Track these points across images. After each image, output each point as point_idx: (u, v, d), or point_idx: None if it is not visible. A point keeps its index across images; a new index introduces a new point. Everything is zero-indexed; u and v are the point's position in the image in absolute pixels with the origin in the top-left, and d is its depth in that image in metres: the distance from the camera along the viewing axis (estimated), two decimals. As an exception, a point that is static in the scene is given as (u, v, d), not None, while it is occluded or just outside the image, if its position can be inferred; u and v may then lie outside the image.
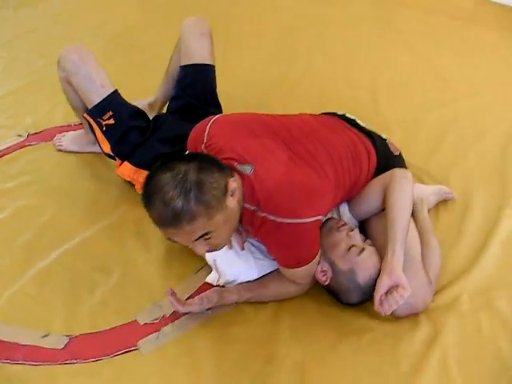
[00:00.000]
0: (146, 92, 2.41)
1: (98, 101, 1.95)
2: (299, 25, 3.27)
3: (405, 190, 1.72)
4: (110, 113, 1.96)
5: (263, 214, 1.51)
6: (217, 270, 1.77)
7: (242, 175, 1.53)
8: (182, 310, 1.69)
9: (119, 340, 1.67)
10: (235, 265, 1.74)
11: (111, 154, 2.04)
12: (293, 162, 1.60)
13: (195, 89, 2.11)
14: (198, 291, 1.79)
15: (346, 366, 1.62)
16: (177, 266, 1.88)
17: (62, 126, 2.43)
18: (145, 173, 1.96)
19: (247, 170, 1.53)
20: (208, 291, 1.74)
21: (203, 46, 2.12)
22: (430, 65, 2.89)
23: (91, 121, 2.01)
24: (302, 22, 3.30)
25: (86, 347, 1.65)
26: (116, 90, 2.01)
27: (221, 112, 2.21)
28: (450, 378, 1.58)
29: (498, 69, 2.86)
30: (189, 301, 1.72)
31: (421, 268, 1.74)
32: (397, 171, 1.78)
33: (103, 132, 1.99)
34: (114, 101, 1.99)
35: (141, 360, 1.63)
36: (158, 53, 2.86)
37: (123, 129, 1.98)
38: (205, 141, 1.63)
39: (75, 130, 2.36)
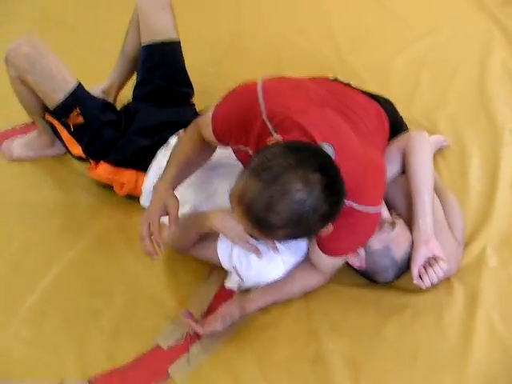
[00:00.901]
0: (92, 76, 2.10)
1: (62, 98, 1.68)
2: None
3: (425, 153, 1.63)
4: (78, 110, 1.70)
5: (348, 202, 1.32)
6: (239, 275, 1.59)
7: None
8: (202, 332, 1.51)
9: (147, 372, 1.49)
10: (259, 265, 1.57)
11: (83, 156, 1.78)
12: (360, 139, 1.40)
13: (164, 69, 1.88)
14: (216, 299, 1.62)
15: (396, 350, 1.53)
16: (183, 275, 1.70)
17: (5, 131, 2.09)
18: (126, 171, 1.77)
19: (329, 152, 1.28)
20: (227, 306, 1.55)
21: (167, 21, 1.87)
22: (380, 5, 2.73)
23: (55, 122, 1.75)
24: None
25: (111, 388, 1.46)
26: (80, 83, 1.74)
27: (193, 91, 1.98)
28: (500, 339, 1.53)
29: (449, 2, 2.75)
30: (209, 319, 1.53)
31: (448, 230, 1.66)
32: (413, 133, 1.69)
33: (72, 133, 1.74)
34: (79, 95, 1.72)
35: (178, 389, 1.46)
36: (93, 30, 2.55)
37: (95, 126, 1.73)
38: (264, 110, 1.34)
39: (23, 134, 2.05)
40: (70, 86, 1.70)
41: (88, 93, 1.77)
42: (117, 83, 2.06)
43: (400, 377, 1.47)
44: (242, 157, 1.46)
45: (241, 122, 1.37)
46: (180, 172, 1.53)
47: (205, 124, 1.49)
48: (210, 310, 1.58)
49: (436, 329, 1.56)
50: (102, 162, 1.76)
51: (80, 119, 1.71)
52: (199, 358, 1.50)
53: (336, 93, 1.54)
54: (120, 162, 1.76)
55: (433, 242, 1.53)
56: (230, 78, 2.32)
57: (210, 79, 2.27)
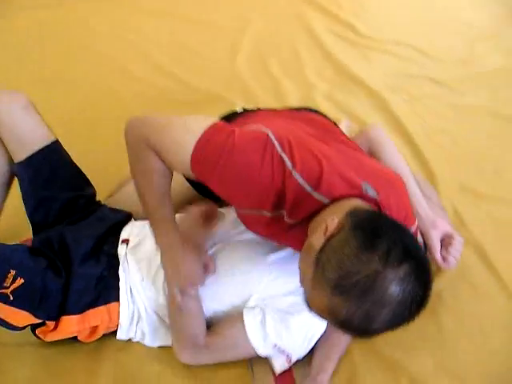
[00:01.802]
0: None
1: None
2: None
3: (390, 141, 1.60)
4: (12, 272, 1.34)
5: None
6: (283, 352, 1.39)
7: (369, 200, 1.15)
8: None
9: None
10: (300, 323, 1.38)
11: (35, 321, 1.40)
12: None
13: (60, 178, 1.55)
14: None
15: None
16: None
17: None
18: (96, 311, 1.44)
19: (372, 193, 1.15)
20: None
21: (36, 122, 1.52)
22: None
23: None
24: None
25: None
26: None
27: (94, 189, 1.64)
28: None
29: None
30: None
31: (431, 202, 1.63)
32: (371, 128, 1.63)
33: (11, 302, 1.35)
34: (4, 253, 1.37)
35: None
36: None
37: (39, 280, 1.38)
38: (290, 166, 1.13)
39: None
40: None
41: (7, 246, 1.41)
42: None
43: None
44: (254, 220, 1.25)
45: (260, 186, 1.14)
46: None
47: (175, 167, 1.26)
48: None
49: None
50: (63, 317, 1.41)
51: (20, 281, 1.34)
52: None
53: (303, 120, 1.40)
54: (86, 306, 1.42)
55: (439, 221, 1.49)
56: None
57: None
